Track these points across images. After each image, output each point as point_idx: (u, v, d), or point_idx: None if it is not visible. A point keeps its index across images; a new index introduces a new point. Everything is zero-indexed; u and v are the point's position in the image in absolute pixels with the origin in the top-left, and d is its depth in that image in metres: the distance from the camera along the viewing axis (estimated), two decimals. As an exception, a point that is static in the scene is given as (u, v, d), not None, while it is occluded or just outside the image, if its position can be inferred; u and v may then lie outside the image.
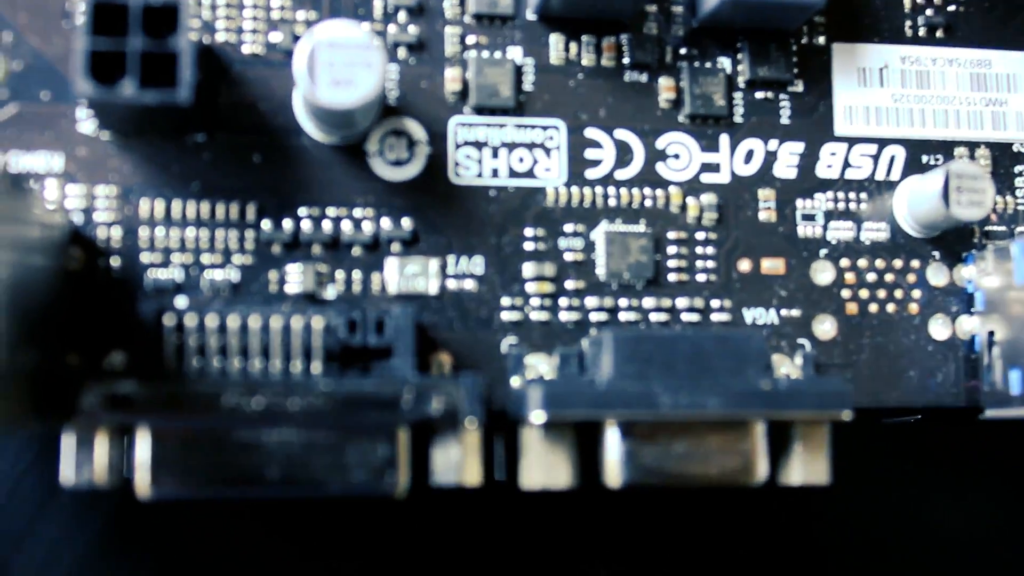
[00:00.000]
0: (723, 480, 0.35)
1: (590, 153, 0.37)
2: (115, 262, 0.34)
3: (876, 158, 0.39)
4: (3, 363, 0.27)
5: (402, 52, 0.37)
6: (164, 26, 0.32)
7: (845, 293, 0.38)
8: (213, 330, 0.33)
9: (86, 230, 0.34)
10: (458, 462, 0.33)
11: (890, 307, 0.38)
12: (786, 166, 0.38)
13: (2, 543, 0.40)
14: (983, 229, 0.39)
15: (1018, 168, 0.40)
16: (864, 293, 0.38)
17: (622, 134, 0.38)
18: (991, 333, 0.37)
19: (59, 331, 0.32)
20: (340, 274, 0.36)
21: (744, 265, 0.38)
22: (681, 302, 0.37)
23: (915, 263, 0.39)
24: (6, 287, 0.28)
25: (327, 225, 0.35)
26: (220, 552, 0.41)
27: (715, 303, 0.37)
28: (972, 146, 0.40)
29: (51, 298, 0.32)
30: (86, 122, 0.35)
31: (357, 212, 0.36)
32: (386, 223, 0.36)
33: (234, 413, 0.31)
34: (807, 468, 0.35)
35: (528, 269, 0.37)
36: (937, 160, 0.39)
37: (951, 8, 0.40)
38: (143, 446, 0.32)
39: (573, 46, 0.38)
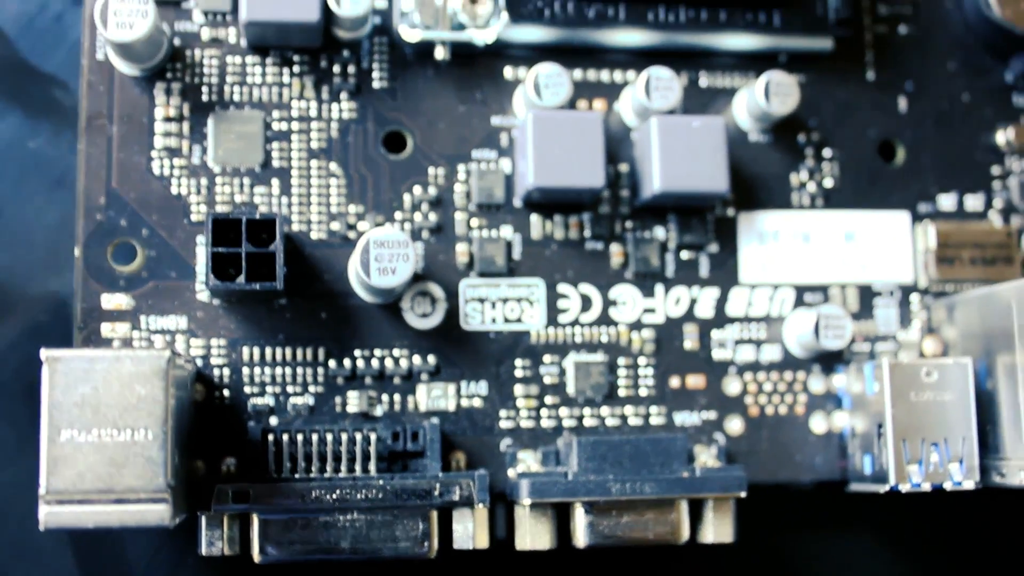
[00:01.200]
0: (657, 541, 0.40)
1: (561, 303, 0.44)
2: (226, 393, 0.42)
3: (771, 298, 0.45)
4: (177, 472, 0.36)
5: (425, 234, 0.43)
6: (262, 230, 0.40)
7: (749, 400, 0.44)
8: (298, 442, 0.40)
9: (205, 371, 0.42)
10: (472, 532, 0.39)
11: (782, 409, 0.44)
12: (705, 307, 0.45)
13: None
14: (850, 349, 0.45)
15: (875, 301, 0.45)
16: (763, 399, 0.44)
17: (585, 288, 0.44)
18: (853, 427, 0.43)
19: (192, 445, 0.41)
20: (385, 397, 0.42)
21: (674, 382, 0.44)
22: (628, 410, 0.43)
23: (800, 375, 0.44)
24: (175, 415, 0.36)
25: (375, 362, 0.42)
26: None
27: (653, 410, 0.43)
28: (843, 287, 0.45)
29: (189, 422, 0.40)
30: (202, 294, 0.42)
31: (395, 352, 0.42)
32: (417, 359, 0.42)
33: (318, 502, 0.38)
34: (717, 530, 0.40)
35: (519, 390, 0.43)
36: (817, 299, 0.45)
37: (827, 184, 0.46)
38: (255, 526, 0.38)
39: (548, 224, 0.44)
